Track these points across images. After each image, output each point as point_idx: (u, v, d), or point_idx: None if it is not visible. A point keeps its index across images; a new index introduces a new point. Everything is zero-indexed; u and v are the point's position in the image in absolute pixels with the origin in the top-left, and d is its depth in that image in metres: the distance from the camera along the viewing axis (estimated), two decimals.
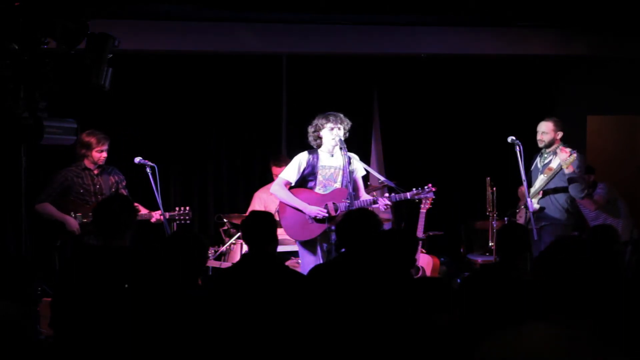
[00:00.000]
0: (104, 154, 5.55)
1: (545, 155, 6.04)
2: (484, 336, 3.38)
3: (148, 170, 5.43)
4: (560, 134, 5.97)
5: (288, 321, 3.35)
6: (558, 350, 2.23)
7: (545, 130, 5.94)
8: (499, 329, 2.38)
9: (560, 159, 5.74)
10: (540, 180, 5.95)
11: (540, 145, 5.98)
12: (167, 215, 5.55)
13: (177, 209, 5.68)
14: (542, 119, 6.16)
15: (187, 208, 5.67)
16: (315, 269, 3.95)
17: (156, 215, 5.54)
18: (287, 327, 3.33)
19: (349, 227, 3.89)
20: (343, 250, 3.93)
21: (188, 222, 5.73)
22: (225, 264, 6.23)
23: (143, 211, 5.61)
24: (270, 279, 3.51)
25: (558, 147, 5.96)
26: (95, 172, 5.59)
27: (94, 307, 3.45)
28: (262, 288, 3.44)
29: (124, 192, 5.68)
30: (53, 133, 3.85)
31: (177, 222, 5.62)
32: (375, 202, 5.36)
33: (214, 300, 3.45)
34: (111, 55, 3.87)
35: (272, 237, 3.69)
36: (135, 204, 5.40)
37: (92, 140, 5.50)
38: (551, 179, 5.88)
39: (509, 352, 2.23)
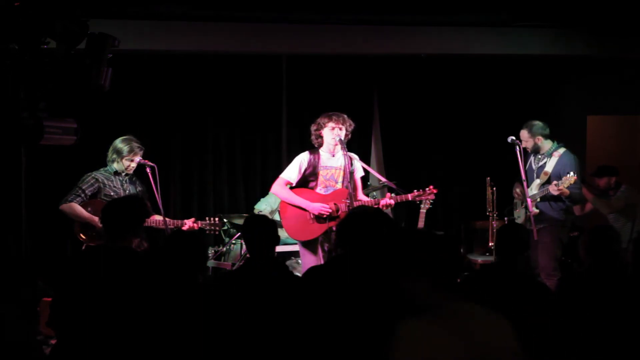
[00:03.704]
0: (133, 164, 5.45)
1: (540, 157, 6.03)
2: None
3: (148, 170, 5.41)
4: (540, 139, 5.96)
5: (288, 325, 3.34)
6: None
7: (523, 138, 5.95)
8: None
9: (563, 184, 5.72)
10: (536, 185, 5.93)
11: (529, 151, 6.01)
12: (200, 224, 5.44)
13: (207, 219, 5.55)
14: (542, 118, 6.17)
15: (217, 219, 5.56)
16: (311, 270, 3.93)
17: (189, 223, 5.42)
18: (287, 331, 3.33)
19: (352, 226, 3.86)
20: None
21: (217, 232, 5.63)
22: (225, 264, 6.24)
23: (162, 220, 5.47)
24: (273, 283, 3.50)
25: (552, 149, 5.95)
26: (125, 178, 5.52)
27: (94, 307, 3.45)
28: (264, 292, 3.44)
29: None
30: (53, 133, 3.83)
31: (208, 232, 5.51)
32: (376, 204, 5.35)
33: (215, 302, 3.44)
34: (111, 55, 3.87)
35: (275, 241, 3.69)
36: (157, 216, 5.35)
37: (125, 147, 5.43)
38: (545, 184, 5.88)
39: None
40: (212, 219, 5.55)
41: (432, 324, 2.32)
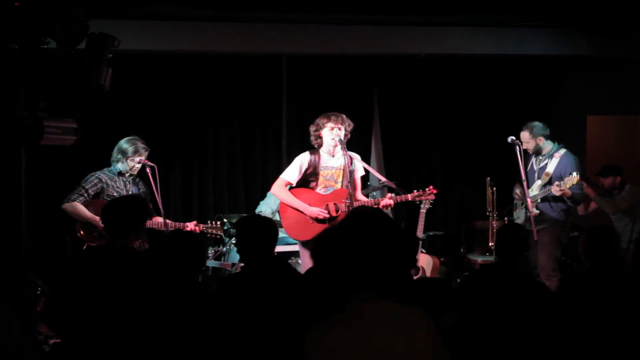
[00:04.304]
0: (138, 165, 5.43)
1: (541, 158, 6.03)
2: (484, 335, 3.38)
3: (148, 170, 5.41)
4: (541, 139, 5.96)
5: (288, 325, 3.34)
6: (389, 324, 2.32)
7: (524, 140, 5.94)
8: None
9: (567, 185, 5.70)
10: (537, 186, 5.94)
11: (530, 152, 6.01)
12: (201, 227, 5.41)
13: (209, 222, 5.52)
14: (542, 118, 6.18)
15: (218, 223, 5.54)
16: (312, 270, 3.93)
17: (190, 226, 5.39)
18: (287, 331, 3.33)
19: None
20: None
21: (219, 237, 5.60)
22: (226, 264, 6.23)
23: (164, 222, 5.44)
24: (274, 283, 3.50)
25: (553, 150, 5.96)
26: (128, 179, 5.51)
27: (93, 307, 3.45)
28: (266, 292, 3.44)
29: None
30: (53, 133, 3.84)
31: (210, 235, 5.49)
32: (376, 204, 5.35)
33: (215, 302, 3.44)
34: (111, 55, 3.87)
35: (275, 240, 3.69)
36: (158, 218, 5.35)
37: (130, 148, 5.42)
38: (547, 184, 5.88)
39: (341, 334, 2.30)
40: (213, 222, 5.55)
41: (337, 326, 2.31)
